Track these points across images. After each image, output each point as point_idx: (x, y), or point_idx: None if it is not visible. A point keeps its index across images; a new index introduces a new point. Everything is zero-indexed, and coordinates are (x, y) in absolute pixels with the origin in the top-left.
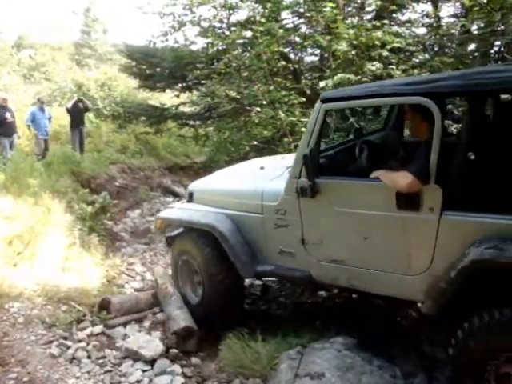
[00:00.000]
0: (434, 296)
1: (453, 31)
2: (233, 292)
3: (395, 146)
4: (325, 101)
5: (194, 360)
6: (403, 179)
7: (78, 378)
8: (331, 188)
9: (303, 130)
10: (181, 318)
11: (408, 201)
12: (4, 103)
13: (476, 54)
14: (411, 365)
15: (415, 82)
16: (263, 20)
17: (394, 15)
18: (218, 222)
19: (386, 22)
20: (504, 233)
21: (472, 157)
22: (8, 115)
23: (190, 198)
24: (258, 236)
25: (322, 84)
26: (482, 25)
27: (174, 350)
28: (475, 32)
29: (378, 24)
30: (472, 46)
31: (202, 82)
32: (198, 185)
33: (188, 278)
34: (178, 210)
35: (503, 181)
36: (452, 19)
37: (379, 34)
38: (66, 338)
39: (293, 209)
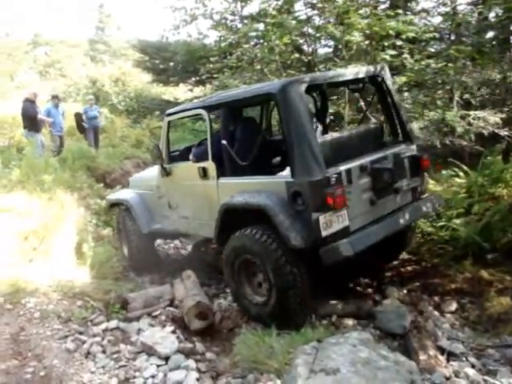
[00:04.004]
0: (213, 231)
1: (470, 19)
2: (142, 243)
3: None
4: (167, 115)
5: (208, 355)
6: (190, 157)
7: (93, 372)
8: (175, 169)
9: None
10: (207, 299)
11: (203, 173)
12: (34, 98)
13: (494, 42)
14: (427, 360)
15: (203, 100)
16: (275, 12)
17: (408, 4)
18: (129, 197)
19: (399, 11)
20: (243, 188)
21: (224, 142)
22: (39, 110)
23: (128, 185)
24: (152, 206)
25: None
26: (500, 12)
27: (189, 345)
28: (493, 19)
29: (392, 13)
30: (490, 34)
31: (215, 75)
32: (132, 177)
33: (123, 240)
34: (116, 194)
35: (242, 158)
36: (469, 7)
37: (393, 23)
38: (81, 333)
39: (163, 185)
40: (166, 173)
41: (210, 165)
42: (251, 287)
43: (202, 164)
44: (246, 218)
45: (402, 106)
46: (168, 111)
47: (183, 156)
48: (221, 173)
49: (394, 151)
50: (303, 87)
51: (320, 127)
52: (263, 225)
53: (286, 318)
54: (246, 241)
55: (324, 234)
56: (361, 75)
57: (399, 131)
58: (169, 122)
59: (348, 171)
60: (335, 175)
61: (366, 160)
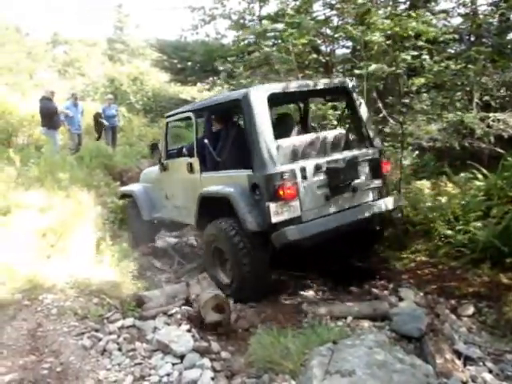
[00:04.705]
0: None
1: (491, 20)
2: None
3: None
4: (166, 117)
5: (223, 354)
6: (183, 150)
7: (108, 369)
8: (171, 164)
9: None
10: (224, 295)
11: (190, 167)
12: (51, 96)
13: None
14: (444, 364)
15: (192, 105)
16: (292, 13)
17: (428, 5)
18: (135, 189)
19: (420, 12)
20: (219, 182)
21: (205, 141)
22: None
23: (138, 180)
24: (153, 197)
25: (357, 72)
26: None
27: (204, 344)
28: None
29: (414, 15)
30: (511, 36)
31: (233, 75)
32: (143, 172)
33: (129, 229)
34: (127, 187)
35: (219, 155)
36: (489, 8)
37: (414, 23)
38: (97, 330)
39: (162, 179)
40: (163, 168)
41: (195, 161)
42: (222, 270)
43: (189, 160)
44: (219, 208)
45: (368, 116)
46: (166, 114)
47: (180, 154)
48: (204, 168)
49: (353, 154)
50: (266, 95)
51: (296, 129)
52: (232, 218)
53: (245, 296)
54: (214, 230)
55: (274, 220)
56: (326, 86)
57: (363, 137)
58: (167, 123)
59: (303, 169)
60: (288, 171)
61: (322, 160)
